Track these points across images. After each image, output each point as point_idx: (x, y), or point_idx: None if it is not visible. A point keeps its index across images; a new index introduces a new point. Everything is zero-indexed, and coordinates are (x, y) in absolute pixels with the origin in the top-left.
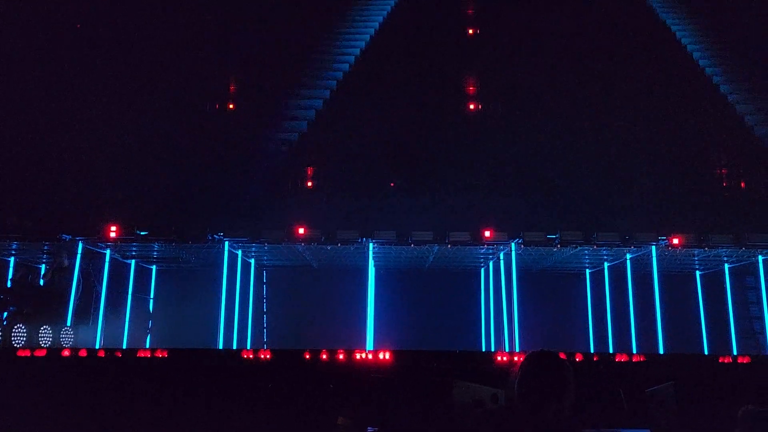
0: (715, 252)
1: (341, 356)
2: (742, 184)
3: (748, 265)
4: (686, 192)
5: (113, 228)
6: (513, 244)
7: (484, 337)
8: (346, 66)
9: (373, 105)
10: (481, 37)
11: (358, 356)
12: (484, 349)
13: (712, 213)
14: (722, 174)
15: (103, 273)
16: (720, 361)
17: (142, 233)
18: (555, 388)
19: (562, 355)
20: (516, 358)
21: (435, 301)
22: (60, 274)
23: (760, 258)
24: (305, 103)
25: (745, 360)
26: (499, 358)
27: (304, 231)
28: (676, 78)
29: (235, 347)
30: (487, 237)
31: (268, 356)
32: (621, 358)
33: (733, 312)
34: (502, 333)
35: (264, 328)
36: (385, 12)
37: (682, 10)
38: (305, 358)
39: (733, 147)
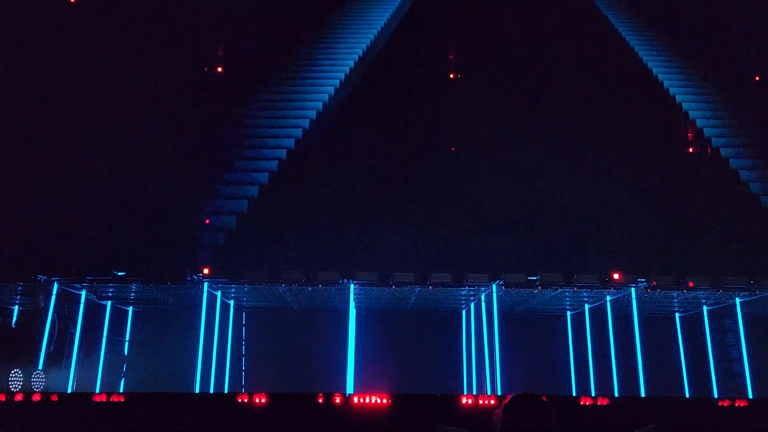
0: (694, 294)
1: (338, 400)
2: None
3: (727, 308)
4: (666, 235)
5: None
6: (494, 286)
7: (465, 378)
8: (320, 105)
9: (355, 143)
10: (462, 79)
11: (356, 400)
12: (465, 391)
13: (690, 256)
14: (701, 218)
15: (78, 314)
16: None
17: (119, 273)
18: (538, 430)
19: (544, 398)
20: (484, 402)
21: (417, 342)
22: (34, 316)
23: (738, 300)
24: (274, 142)
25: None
26: (464, 401)
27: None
28: (656, 122)
29: (212, 391)
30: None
31: (263, 400)
32: (585, 401)
33: (713, 354)
34: (484, 375)
35: (242, 370)
36: (361, 50)
37: (662, 50)
38: (318, 402)
39: (713, 191)
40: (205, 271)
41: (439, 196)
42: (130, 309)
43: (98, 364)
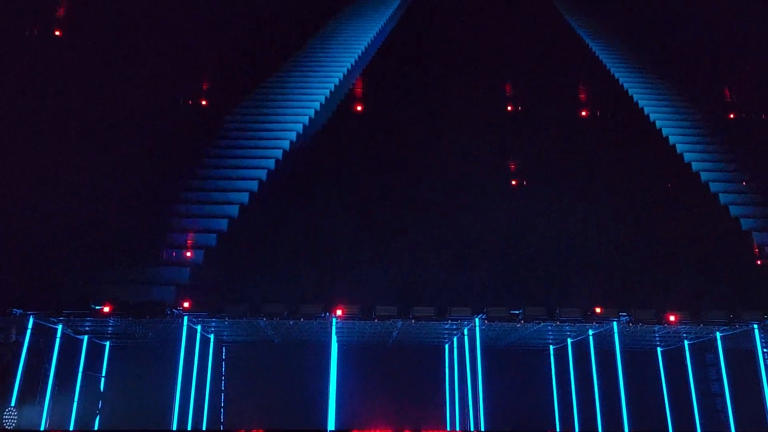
0: (675, 329)
1: None
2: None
3: (708, 342)
4: (647, 269)
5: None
6: (477, 320)
7: (449, 413)
8: (294, 135)
9: (337, 174)
10: (444, 111)
11: None
12: (448, 426)
13: (672, 291)
14: (683, 252)
15: (54, 349)
16: None
17: (96, 307)
18: None
19: None
20: None
21: (399, 376)
22: (6, 350)
23: (718, 334)
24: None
25: None
26: None
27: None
28: (641, 159)
29: (189, 427)
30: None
31: None
32: None
33: (695, 389)
34: (467, 409)
35: (222, 406)
36: (340, 77)
37: (647, 81)
38: None
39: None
40: (186, 305)
41: (422, 230)
42: (107, 343)
43: (73, 400)
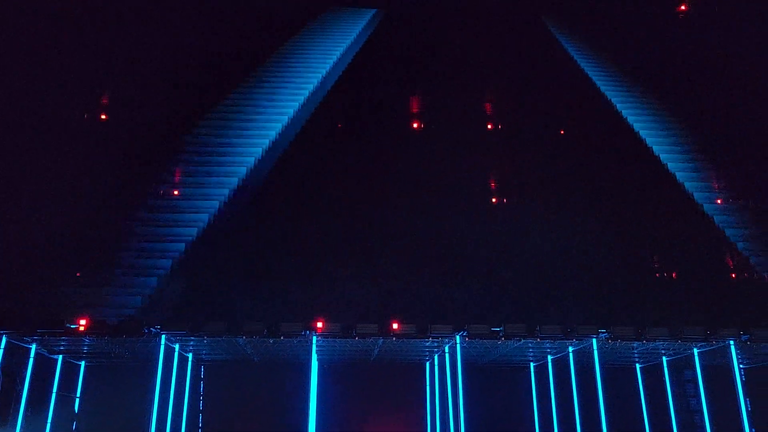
0: (653, 345)
1: None
2: (674, 275)
3: (685, 358)
4: (627, 286)
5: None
6: (458, 337)
7: (430, 431)
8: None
9: (316, 190)
10: (425, 129)
11: None
12: None
13: (651, 307)
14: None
15: (27, 369)
16: None
17: (72, 326)
18: None
19: None
20: None
21: (380, 395)
22: None
23: (696, 351)
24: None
25: None
26: None
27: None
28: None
29: None
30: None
31: None
32: None
33: (674, 405)
34: (449, 427)
35: (199, 427)
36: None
37: (630, 94)
38: None
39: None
40: (157, 326)
41: (402, 248)
42: (83, 363)
43: (47, 422)
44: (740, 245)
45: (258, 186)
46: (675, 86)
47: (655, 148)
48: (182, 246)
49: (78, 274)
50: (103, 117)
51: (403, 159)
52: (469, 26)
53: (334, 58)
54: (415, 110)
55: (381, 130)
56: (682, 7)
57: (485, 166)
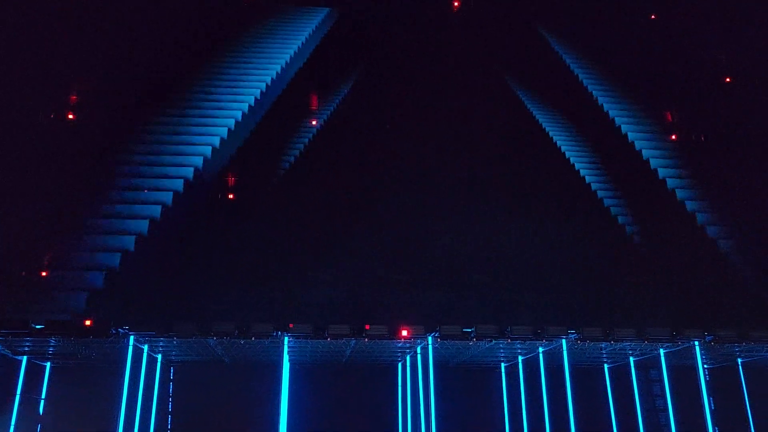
0: (621, 345)
1: None
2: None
3: (652, 359)
4: (595, 288)
5: None
6: (430, 338)
7: (401, 430)
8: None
9: (287, 192)
10: (393, 125)
11: None
12: None
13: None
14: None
15: None
16: None
17: (37, 327)
18: None
19: None
20: None
21: (353, 395)
22: None
23: (662, 351)
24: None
25: None
26: None
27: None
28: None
29: None
30: (404, 336)
31: None
32: None
33: (640, 404)
34: (420, 427)
35: (169, 429)
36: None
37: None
38: None
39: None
40: (126, 327)
41: (375, 250)
42: (48, 364)
43: (10, 424)
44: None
45: (212, 180)
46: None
47: (644, 153)
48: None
49: (23, 273)
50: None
51: (373, 158)
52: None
53: (291, 53)
54: (381, 110)
55: (348, 128)
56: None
57: (454, 167)
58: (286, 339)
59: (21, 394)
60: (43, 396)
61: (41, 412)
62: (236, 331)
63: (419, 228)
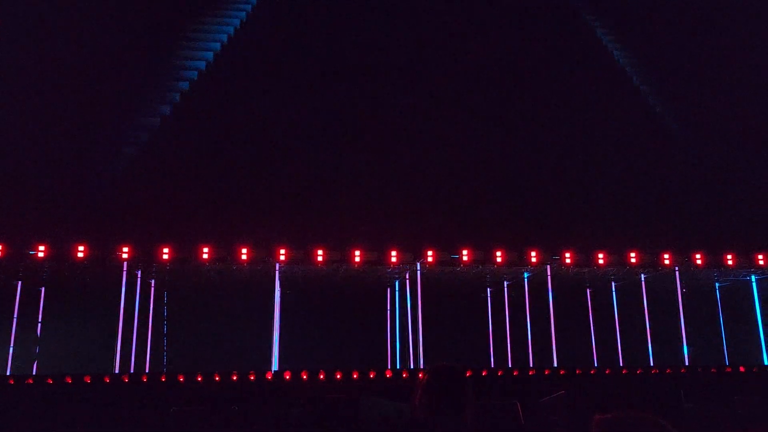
0: (603, 271)
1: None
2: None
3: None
4: (577, 211)
5: None
6: (418, 264)
7: (390, 353)
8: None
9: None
10: (390, 42)
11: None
12: (390, 366)
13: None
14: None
15: None
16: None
17: (31, 252)
18: (455, 400)
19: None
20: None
21: (344, 318)
22: None
23: (642, 276)
24: None
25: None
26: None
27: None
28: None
29: (132, 371)
30: (394, 263)
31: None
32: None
33: (619, 328)
34: (408, 350)
35: (164, 350)
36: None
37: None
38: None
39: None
40: (125, 249)
41: (363, 173)
42: (42, 289)
43: (8, 347)
44: None
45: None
46: None
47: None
48: None
49: None
50: None
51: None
52: None
53: None
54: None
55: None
56: None
57: (438, 92)
58: (276, 265)
59: (17, 317)
60: (40, 319)
61: (39, 335)
62: (228, 257)
63: (407, 154)
